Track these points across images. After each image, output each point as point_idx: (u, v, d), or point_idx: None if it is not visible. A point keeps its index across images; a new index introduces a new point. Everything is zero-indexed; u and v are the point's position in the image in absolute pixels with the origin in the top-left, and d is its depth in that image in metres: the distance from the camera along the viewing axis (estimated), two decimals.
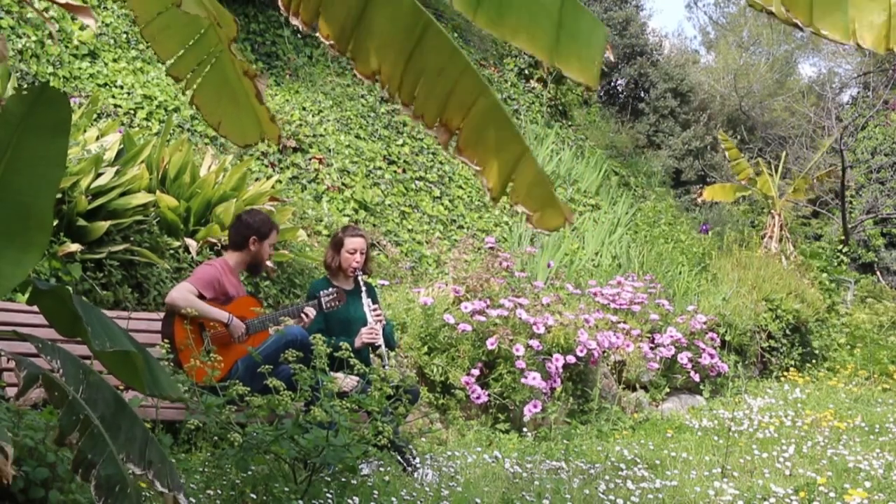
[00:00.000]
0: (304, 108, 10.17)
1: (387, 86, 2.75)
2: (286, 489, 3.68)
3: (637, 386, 8.30)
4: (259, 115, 3.18)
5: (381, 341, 5.12)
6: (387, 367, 4.98)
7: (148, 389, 2.53)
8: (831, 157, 18.17)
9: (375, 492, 3.92)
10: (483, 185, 2.84)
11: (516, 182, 2.83)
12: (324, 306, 5.01)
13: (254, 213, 5.12)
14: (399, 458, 4.67)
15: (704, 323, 8.99)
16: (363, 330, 5.12)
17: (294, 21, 2.66)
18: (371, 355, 5.25)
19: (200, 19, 2.90)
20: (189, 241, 6.02)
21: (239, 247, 4.96)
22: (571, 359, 7.00)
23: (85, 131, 6.00)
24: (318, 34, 2.69)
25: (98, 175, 5.52)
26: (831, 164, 17.02)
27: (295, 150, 9.33)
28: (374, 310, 5.21)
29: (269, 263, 6.32)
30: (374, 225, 9.25)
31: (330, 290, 5.08)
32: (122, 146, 6.06)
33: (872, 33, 2.57)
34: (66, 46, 8.19)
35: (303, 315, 4.94)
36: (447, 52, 2.78)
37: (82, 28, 8.52)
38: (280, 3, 2.68)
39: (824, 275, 13.02)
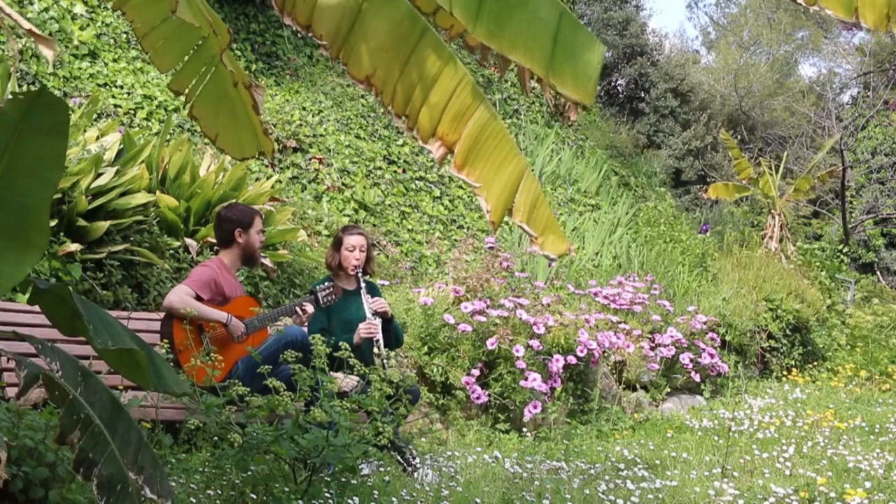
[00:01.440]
0: (304, 108, 10.17)
1: (381, 93, 2.71)
2: (286, 489, 3.68)
3: (637, 386, 8.30)
4: (255, 127, 3.16)
5: (379, 335, 5.08)
6: (386, 363, 4.94)
7: (153, 386, 2.53)
8: (831, 157, 18.17)
9: (375, 492, 3.92)
10: (483, 209, 2.76)
11: (518, 202, 2.77)
12: (320, 301, 4.99)
13: (231, 207, 5.10)
14: (399, 458, 4.66)
15: (705, 323, 8.99)
16: (361, 325, 5.08)
17: (287, 21, 2.64)
18: (373, 355, 5.24)
19: (198, 28, 2.87)
20: (189, 241, 6.02)
21: (227, 243, 4.94)
22: (572, 359, 7.00)
23: (85, 131, 6.00)
24: (311, 34, 2.66)
25: (98, 175, 5.52)
26: (832, 164, 17.03)
27: (295, 150, 9.33)
28: (375, 303, 5.18)
29: (268, 263, 6.32)
30: (374, 225, 9.25)
31: (326, 284, 5.06)
32: (122, 146, 6.06)
33: (874, 12, 2.58)
34: (66, 46, 8.19)
35: (298, 310, 4.92)
36: (444, 60, 2.74)
37: (82, 28, 8.53)
38: (275, 4, 2.66)
39: (824, 275, 13.02)
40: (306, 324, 5.07)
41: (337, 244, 5.28)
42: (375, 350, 5.09)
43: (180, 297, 4.58)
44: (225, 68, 3.00)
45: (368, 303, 5.15)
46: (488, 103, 2.80)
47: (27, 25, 2.93)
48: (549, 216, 2.86)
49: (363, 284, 5.20)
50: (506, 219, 2.83)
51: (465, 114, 2.74)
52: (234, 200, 6.29)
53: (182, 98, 3.19)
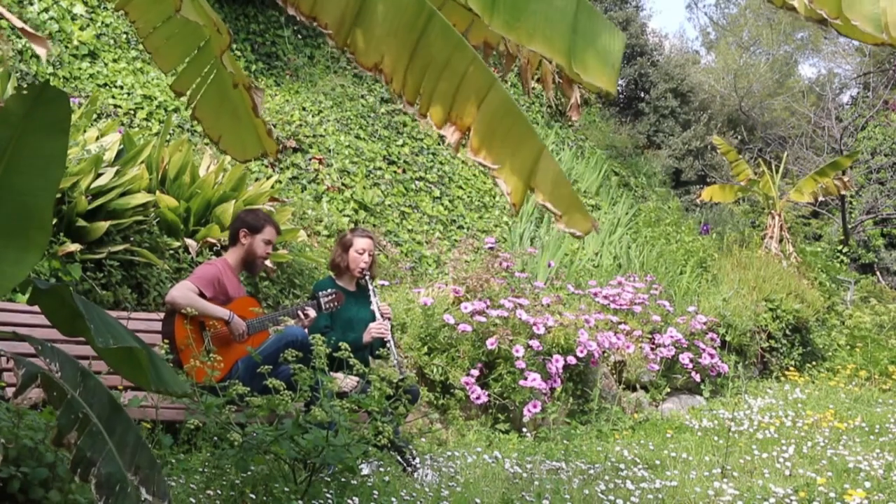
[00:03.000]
0: (304, 109, 10.17)
1: (391, 81, 2.67)
2: (286, 489, 3.68)
3: (637, 386, 8.30)
4: (257, 128, 3.14)
5: (389, 336, 5.15)
6: (396, 362, 5.01)
7: (153, 385, 2.53)
8: (831, 157, 18.16)
9: (375, 492, 3.92)
10: (503, 191, 2.71)
11: (538, 181, 2.72)
12: (322, 307, 5.02)
13: (250, 211, 5.14)
14: (399, 458, 4.67)
15: (704, 323, 8.99)
16: (372, 325, 5.16)
17: (291, 11, 2.61)
18: (371, 357, 5.26)
19: (201, 29, 2.86)
20: (189, 241, 6.02)
21: (232, 242, 4.96)
22: (571, 359, 7.00)
23: (85, 131, 6.00)
24: (316, 24, 2.63)
25: (98, 175, 5.52)
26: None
27: (295, 150, 9.33)
28: (383, 307, 5.26)
29: (268, 263, 6.31)
30: (374, 225, 9.25)
31: (329, 290, 5.10)
32: (121, 146, 6.06)
33: None
34: (66, 47, 8.19)
35: (301, 314, 4.93)
36: (453, 43, 2.70)
37: (82, 28, 8.52)
38: None
39: (824, 275, 13.01)
40: (307, 327, 5.08)
41: (346, 246, 5.31)
42: (383, 348, 5.15)
43: (183, 292, 4.59)
44: (225, 69, 2.99)
45: (379, 305, 5.21)
46: (500, 84, 2.75)
47: (19, 24, 2.92)
48: (572, 194, 2.81)
49: (371, 288, 5.25)
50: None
51: (478, 95, 2.70)
52: (236, 201, 6.29)
53: (182, 98, 3.19)
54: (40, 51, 3.00)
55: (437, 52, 2.67)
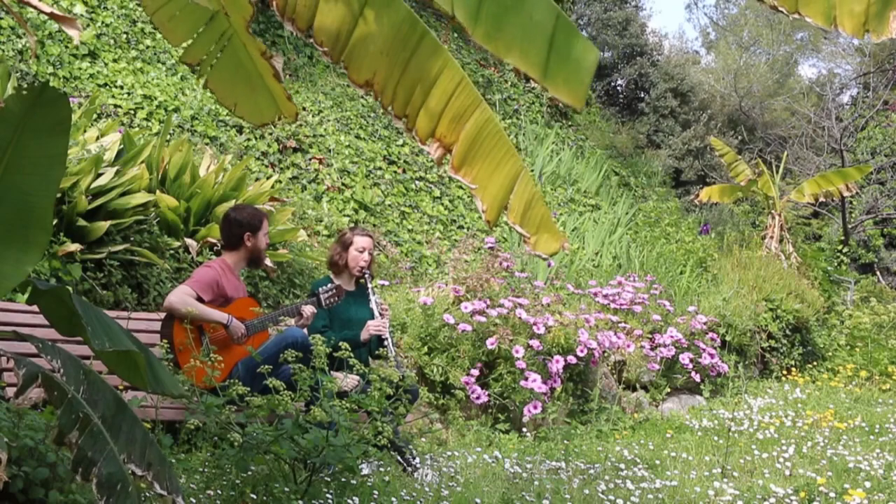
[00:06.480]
0: (304, 109, 10.17)
1: (380, 96, 2.74)
2: (286, 489, 3.68)
3: (637, 386, 8.30)
4: (276, 94, 3.19)
5: (387, 334, 5.14)
6: (394, 359, 4.99)
7: (150, 387, 2.53)
8: (831, 157, 18.17)
9: (375, 492, 3.92)
10: (479, 209, 2.83)
11: (513, 202, 2.84)
12: (323, 303, 5.00)
13: (240, 209, 5.10)
14: (399, 458, 4.67)
15: (705, 323, 8.99)
16: (370, 322, 5.15)
17: (289, 26, 2.66)
18: (371, 357, 5.26)
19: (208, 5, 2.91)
20: (189, 241, 6.02)
21: (234, 246, 4.94)
22: (572, 359, 6.99)
23: (85, 131, 6.01)
24: (312, 40, 2.68)
25: (98, 175, 5.53)
26: (831, 164, 17.00)
27: (295, 150, 9.33)
28: (381, 304, 5.26)
29: (269, 263, 6.31)
30: (374, 225, 9.25)
31: (328, 286, 5.08)
32: (122, 146, 6.06)
33: (852, 20, 2.66)
34: (66, 46, 8.19)
35: (303, 310, 4.93)
36: (442, 64, 2.78)
37: (82, 28, 8.53)
38: (275, 8, 2.67)
39: (824, 275, 13.01)
40: (307, 326, 5.08)
41: (346, 244, 5.30)
42: (382, 348, 5.14)
43: (181, 297, 4.58)
44: (238, 41, 3.04)
45: (378, 303, 5.21)
46: (486, 105, 2.83)
47: (48, 9, 2.94)
48: (545, 215, 2.89)
49: (370, 286, 5.25)
50: (505, 219, 2.88)
51: (463, 115, 2.79)
52: (236, 201, 6.29)
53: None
54: (72, 32, 3.02)
55: (426, 71, 2.75)
